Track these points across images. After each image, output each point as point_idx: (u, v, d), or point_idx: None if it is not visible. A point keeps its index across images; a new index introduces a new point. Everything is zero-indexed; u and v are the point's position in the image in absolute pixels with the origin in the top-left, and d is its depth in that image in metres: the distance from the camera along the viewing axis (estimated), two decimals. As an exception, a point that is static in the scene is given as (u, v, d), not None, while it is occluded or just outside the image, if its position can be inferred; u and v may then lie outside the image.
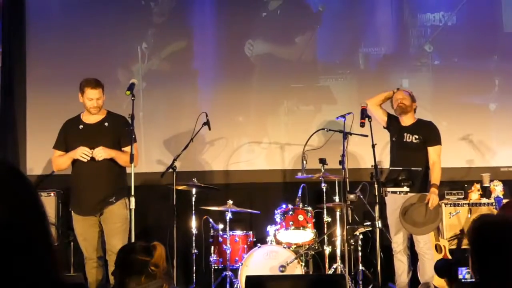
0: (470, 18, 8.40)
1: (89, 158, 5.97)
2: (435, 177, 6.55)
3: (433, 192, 6.44)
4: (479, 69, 8.27)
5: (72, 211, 6.18)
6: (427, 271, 6.52)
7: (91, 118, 6.21)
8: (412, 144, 6.64)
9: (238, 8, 8.49)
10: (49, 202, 7.41)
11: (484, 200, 7.33)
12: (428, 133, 6.69)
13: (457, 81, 8.21)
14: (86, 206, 6.01)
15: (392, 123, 6.83)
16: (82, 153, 5.97)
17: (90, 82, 6.15)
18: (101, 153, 5.98)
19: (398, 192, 6.48)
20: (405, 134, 6.68)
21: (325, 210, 7.03)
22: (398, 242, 6.58)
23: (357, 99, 7.62)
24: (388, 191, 6.50)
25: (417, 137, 6.64)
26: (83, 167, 6.04)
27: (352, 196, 6.37)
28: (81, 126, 6.22)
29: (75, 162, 6.09)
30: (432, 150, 6.65)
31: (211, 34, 8.54)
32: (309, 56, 8.46)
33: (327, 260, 6.99)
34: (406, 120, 6.75)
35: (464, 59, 8.34)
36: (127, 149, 6.07)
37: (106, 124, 6.19)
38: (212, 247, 7.07)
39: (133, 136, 5.98)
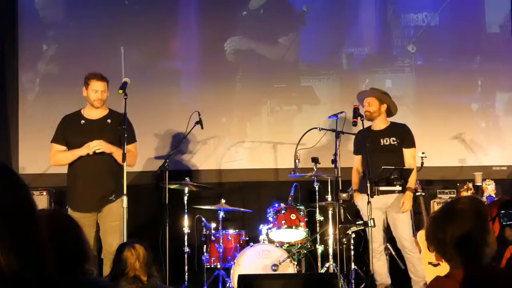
0: (453, 19, 8.42)
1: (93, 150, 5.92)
2: (411, 180, 6.55)
3: (408, 196, 6.47)
4: (462, 69, 8.29)
5: (69, 208, 6.05)
6: (418, 269, 6.51)
7: (93, 114, 6.15)
8: (391, 147, 6.64)
9: (220, 7, 8.49)
10: (41, 201, 7.39)
11: (476, 199, 7.33)
12: (403, 135, 6.69)
13: (440, 82, 8.22)
14: (86, 203, 5.91)
15: (361, 138, 6.78)
16: (89, 148, 5.90)
17: (96, 75, 6.11)
18: (101, 145, 5.92)
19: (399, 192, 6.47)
20: (381, 139, 6.66)
21: (317, 209, 7.03)
22: (379, 242, 6.56)
23: (349, 98, 7.63)
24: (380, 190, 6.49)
25: (394, 139, 6.64)
26: (83, 163, 5.98)
27: (344, 195, 6.38)
28: (82, 121, 6.14)
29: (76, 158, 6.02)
30: (407, 152, 6.66)
31: (194, 32, 8.55)
32: (292, 56, 8.46)
33: (319, 259, 6.99)
34: (379, 124, 6.74)
35: (447, 60, 8.36)
36: (128, 147, 6.04)
37: (109, 121, 6.13)
38: (205, 246, 7.07)
39: (125, 135, 5.92)
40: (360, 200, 6.60)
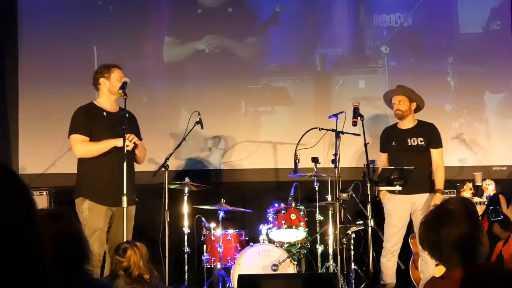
0: (426, 20, 8.43)
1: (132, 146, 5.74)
2: (440, 181, 6.60)
3: (439, 198, 6.47)
4: (435, 70, 8.30)
5: (87, 200, 5.78)
6: (430, 269, 6.52)
7: (110, 107, 5.98)
8: (418, 147, 6.66)
9: (191, 6, 8.54)
10: (41, 201, 7.38)
11: (476, 199, 7.34)
12: (431, 135, 6.72)
13: (413, 82, 8.19)
14: (113, 197, 5.65)
15: (387, 135, 6.82)
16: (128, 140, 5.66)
17: (115, 64, 6.01)
18: (136, 139, 5.81)
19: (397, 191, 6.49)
20: (409, 138, 6.68)
21: (317, 209, 7.03)
22: (394, 242, 6.57)
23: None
24: (380, 190, 6.51)
25: (422, 139, 6.66)
26: (111, 156, 5.76)
27: (344, 195, 6.37)
28: (104, 113, 5.94)
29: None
30: (435, 153, 6.68)
31: (163, 33, 8.60)
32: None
33: (319, 259, 6.99)
34: (407, 123, 6.76)
35: (420, 61, 8.36)
36: (140, 143, 6.00)
37: (126, 115, 5.89)
38: (205, 246, 7.06)
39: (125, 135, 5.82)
40: (388, 200, 6.63)
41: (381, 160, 6.93)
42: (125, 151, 5.63)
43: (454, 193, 7.52)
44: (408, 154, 6.61)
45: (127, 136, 5.67)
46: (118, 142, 5.69)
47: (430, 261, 6.50)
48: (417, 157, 6.59)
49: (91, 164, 5.87)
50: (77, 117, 5.94)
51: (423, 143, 6.66)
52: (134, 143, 5.84)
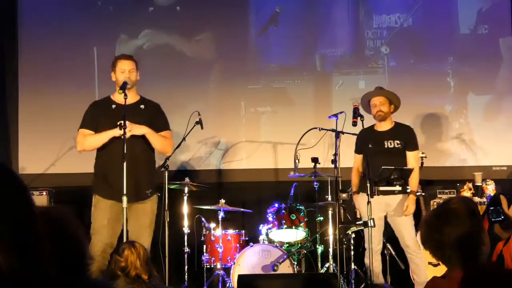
0: (426, 20, 8.44)
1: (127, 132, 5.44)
2: (414, 183, 6.53)
3: (411, 200, 6.44)
4: (435, 70, 8.30)
5: (96, 195, 5.70)
6: (422, 270, 6.49)
7: (123, 99, 5.69)
8: (394, 149, 6.60)
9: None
10: (41, 201, 7.38)
11: (477, 199, 7.34)
12: (408, 138, 6.66)
13: (413, 83, 8.21)
14: (128, 191, 5.40)
15: (364, 137, 6.74)
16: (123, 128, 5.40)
17: (122, 54, 5.97)
18: (130, 126, 5.48)
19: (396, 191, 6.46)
20: (385, 141, 6.63)
21: (317, 209, 7.03)
22: (377, 241, 6.50)
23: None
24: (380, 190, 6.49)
25: (398, 142, 6.60)
26: (118, 147, 5.49)
27: (344, 195, 6.38)
28: (113, 106, 5.80)
29: (108, 142, 5.64)
30: (410, 155, 6.62)
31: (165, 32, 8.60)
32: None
33: (319, 259, 7.00)
34: (384, 125, 6.68)
35: (420, 61, 8.36)
36: (163, 134, 5.81)
37: (142, 106, 5.77)
38: (205, 246, 7.07)
39: (125, 133, 5.69)
40: (360, 200, 6.57)
41: (355, 161, 6.83)
42: (124, 151, 5.44)
43: (454, 193, 7.52)
44: (384, 156, 6.53)
45: (126, 124, 5.47)
46: (117, 132, 5.54)
47: (419, 262, 6.47)
48: (393, 159, 6.52)
49: (101, 158, 5.81)
50: (86, 111, 5.90)
51: (399, 145, 6.60)
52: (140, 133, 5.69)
